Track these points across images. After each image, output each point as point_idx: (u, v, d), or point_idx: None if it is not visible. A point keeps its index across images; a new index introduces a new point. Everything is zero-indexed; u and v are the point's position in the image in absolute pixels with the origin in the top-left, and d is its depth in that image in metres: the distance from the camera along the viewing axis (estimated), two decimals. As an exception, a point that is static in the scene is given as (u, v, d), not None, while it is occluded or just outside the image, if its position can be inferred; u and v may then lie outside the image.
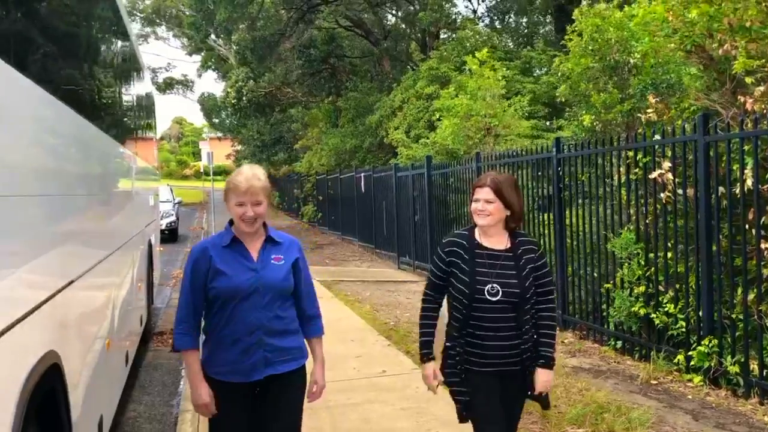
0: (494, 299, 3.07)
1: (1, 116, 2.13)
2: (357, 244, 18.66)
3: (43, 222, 2.65)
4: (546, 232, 8.40)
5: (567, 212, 7.94)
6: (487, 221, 3.14)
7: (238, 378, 2.92)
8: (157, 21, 50.25)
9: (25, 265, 2.32)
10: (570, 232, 7.88)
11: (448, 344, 3.22)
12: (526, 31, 22.74)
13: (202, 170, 29.09)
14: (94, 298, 3.81)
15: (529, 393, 3.19)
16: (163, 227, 18.28)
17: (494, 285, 3.08)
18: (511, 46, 21.57)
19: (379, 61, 24.84)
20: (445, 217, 12.07)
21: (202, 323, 2.98)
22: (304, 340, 3.16)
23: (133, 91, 7.50)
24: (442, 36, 23.56)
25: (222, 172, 67.31)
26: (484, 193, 3.14)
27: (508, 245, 3.20)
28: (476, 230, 3.23)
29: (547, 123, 15.66)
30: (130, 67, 7.14)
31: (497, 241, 3.21)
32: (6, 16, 2.29)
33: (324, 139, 24.37)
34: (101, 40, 4.85)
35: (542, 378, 3.15)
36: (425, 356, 3.23)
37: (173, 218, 20.98)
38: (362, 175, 18.23)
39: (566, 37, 7.46)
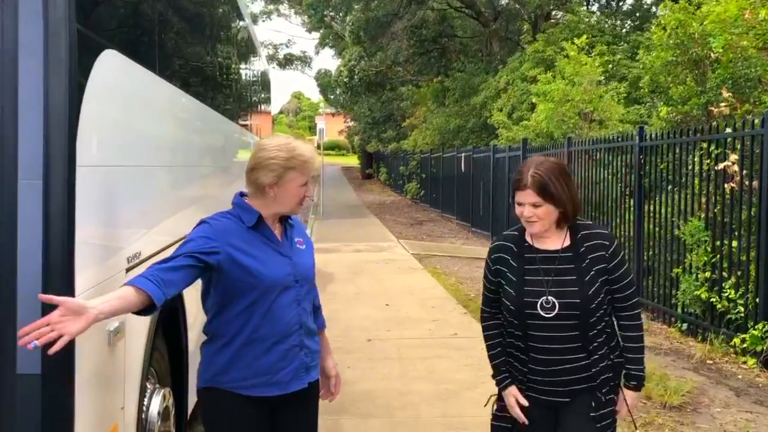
0: (550, 315, 2.50)
1: (160, 116, 3.01)
2: (455, 222, 19.28)
3: (180, 185, 3.57)
4: (627, 217, 8.74)
5: (646, 200, 8.26)
6: (538, 229, 2.54)
7: (275, 390, 2.41)
8: (280, -1, 52.31)
9: (167, 213, 3.23)
10: (647, 219, 8.20)
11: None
12: (638, 14, 22.29)
13: (315, 145, 30.53)
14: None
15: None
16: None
17: (549, 298, 2.51)
18: (626, 29, 21.27)
19: (488, 41, 25.11)
20: (537, 199, 12.47)
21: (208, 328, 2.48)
22: None
23: (249, 74, 8.50)
24: (556, 16, 23.51)
25: (335, 147, 69.70)
26: (528, 197, 2.50)
27: (567, 243, 2.58)
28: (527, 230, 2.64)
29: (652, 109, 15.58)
30: (246, 54, 8.12)
31: (553, 240, 2.60)
32: (152, 33, 3.15)
33: (429, 118, 25.03)
34: (223, 42, 5.78)
35: (630, 401, 2.64)
36: (502, 381, 2.67)
37: (286, 190, 22.33)
38: (463, 154, 18.79)
39: (651, 30, 7.75)
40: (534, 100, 13.84)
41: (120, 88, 2.56)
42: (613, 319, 2.65)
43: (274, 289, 2.38)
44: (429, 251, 13.56)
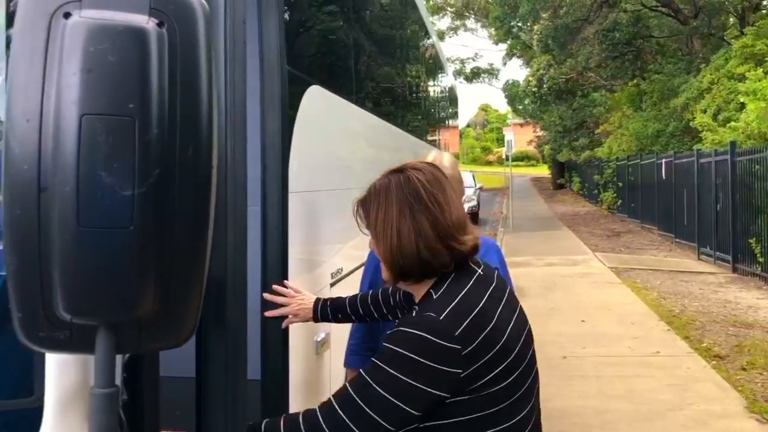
0: None
1: (356, 141, 3.26)
2: (656, 232, 18.19)
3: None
4: None
5: None
6: (384, 275, 1.74)
7: None
8: (466, 14, 52.89)
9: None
10: None
11: None
12: None
13: (504, 156, 30.35)
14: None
15: None
16: (465, 211, 19.75)
17: None
18: None
19: (688, 39, 23.47)
20: (750, 207, 11.46)
21: None
22: None
23: (436, 92, 8.74)
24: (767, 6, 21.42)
25: (524, 158, 68.66)
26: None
27: None
28: None
29: None
30: (433, 72, 8.37)
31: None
32: (348, 66, 3.40)
33: (625, 124, 23.88)
34: (412, 64, 6.04)
35: None
36: None
37: (474, 203, 22.45)
38: (663, 160, 17.72)
39: None
40: (742, 100, 12.72)
41: (323, 119, 2.81)
42: None
43: None
44: (628, 264, 12.93)
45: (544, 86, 26.95)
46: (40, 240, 0.90)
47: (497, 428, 1.55)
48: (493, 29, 43.94)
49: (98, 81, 0.89)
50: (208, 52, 0.96)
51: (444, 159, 2.50)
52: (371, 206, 1.68)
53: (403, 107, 5.59)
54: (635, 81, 25.57)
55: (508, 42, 43.36)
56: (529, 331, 1.74)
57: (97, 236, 0.89)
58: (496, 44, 51.01)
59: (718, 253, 12.94)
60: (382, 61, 4.57)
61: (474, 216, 22.57)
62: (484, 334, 1.52)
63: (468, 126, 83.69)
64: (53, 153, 0.90)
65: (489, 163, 69.94)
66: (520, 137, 54.89)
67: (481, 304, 1.57)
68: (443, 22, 51.07)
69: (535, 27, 26.55)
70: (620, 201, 24.26)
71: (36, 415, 1.24)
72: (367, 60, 3.98)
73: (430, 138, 7.59)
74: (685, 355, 6.58)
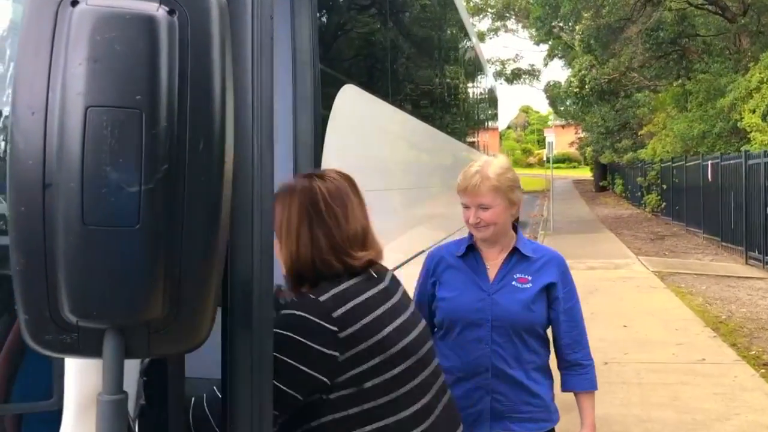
0: None
1: (391, 140, 3.21)
2: (702, 236, 17.74)
3: (411, 204, 3.78)
4: None
5: None
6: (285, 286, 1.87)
7: None
8: (507, 15, 52.45)
9: (401, 231, 3.42)
10: None
11: None
12: None
13: (545, 158, 30.04)
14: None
15: None
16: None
17: None
18: None
19: (736, 38, 22.84)
20: (801, 210, 11.09)
21: None
22: (552, 394, 2.48)
23: (475, 93, 8.64)
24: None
25: (565, 160, 67.78)
26: None
27: None
28: None
29: None
30: (472, 74, 8.27)
31: None
32: (384, 66, 3.36)
33: (669, 125, 23.37)
34: (450, 65, 5.97)
35: None
36: None
37: (515, 205, 22.16)
38: (709, 162, 17.29)
39: None
40: (794, 99, 12.31)
41: (357, 118, 2.77)
42: None
43: (458, 321, 2.30)
44: (671, 268, 12.62)
45: (586, 87, 26.54)
46: (45, 239, 0.87)
47: (381, 423, 1.55)
48: (534, 30, 43.45)
49: (105, 71, 0.84)
50: (223, 42, 0.91)
51: (494, 163, 2.34)
52: (277, 207, 1.62)
53: (441, 108, 5.52)
54: (680, 81, 24.99)
55: (550, 42, 42.83)
56: (425, 329, 1.75)
57: (102, 235, 0.85)
58: (537, 45, 50.49)
59: (767, 257, 12.56)
60: (419, 61, 4.52)
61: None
62: (364, 321, 1.55)
63: (508, 128, 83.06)
64: (58, 147, 0.86)
65: (530, 165, 69.26)
66: (561, 139, 54.19)
67: (364, 296, 1.60)
68: (484, 24, 50.74)
69: (577, 27, 26.19)
70: (664, 204, 23.77)
71: (55, 418, 1.21)
72: (404, 60, 3.93)
73: (469, 140, 7.51)
74: (732, 362, 6.37)
